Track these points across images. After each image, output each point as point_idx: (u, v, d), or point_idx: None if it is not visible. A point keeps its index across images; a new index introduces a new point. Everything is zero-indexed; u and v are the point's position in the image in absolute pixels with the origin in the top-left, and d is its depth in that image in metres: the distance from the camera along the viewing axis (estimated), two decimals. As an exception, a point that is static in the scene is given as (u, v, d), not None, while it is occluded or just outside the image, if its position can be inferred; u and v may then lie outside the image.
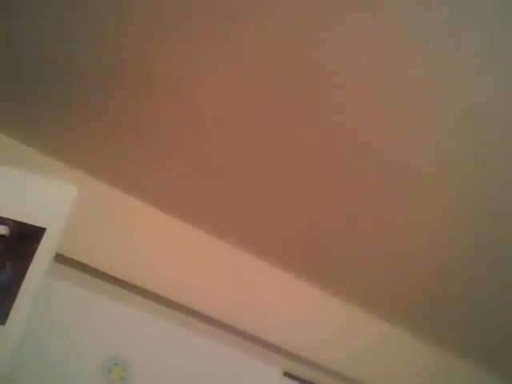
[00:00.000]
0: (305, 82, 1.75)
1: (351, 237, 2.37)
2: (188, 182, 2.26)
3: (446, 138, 1.82)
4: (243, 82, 1.80)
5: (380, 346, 2.82)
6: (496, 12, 1.47)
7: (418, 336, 2.94)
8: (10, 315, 1.38)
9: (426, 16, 1.50)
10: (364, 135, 1.88)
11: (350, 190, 2.13)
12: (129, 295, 2.21)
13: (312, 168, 2.07)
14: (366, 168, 2.01)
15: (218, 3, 1.57)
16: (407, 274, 2.49)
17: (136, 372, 2.12)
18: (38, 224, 1.48)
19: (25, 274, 1.42)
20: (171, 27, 1.67)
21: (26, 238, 1.46)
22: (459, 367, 3.05)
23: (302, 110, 1.85)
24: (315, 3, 1.52)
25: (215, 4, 1.58)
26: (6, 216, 1.46)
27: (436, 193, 2.04)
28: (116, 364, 2.08)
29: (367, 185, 2.08)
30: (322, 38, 1.61)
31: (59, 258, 1.87)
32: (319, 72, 1.70)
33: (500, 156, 1.85)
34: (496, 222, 2.10)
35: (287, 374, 2.54)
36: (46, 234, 1.47)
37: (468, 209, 2.08)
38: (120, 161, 2.22)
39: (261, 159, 2.08)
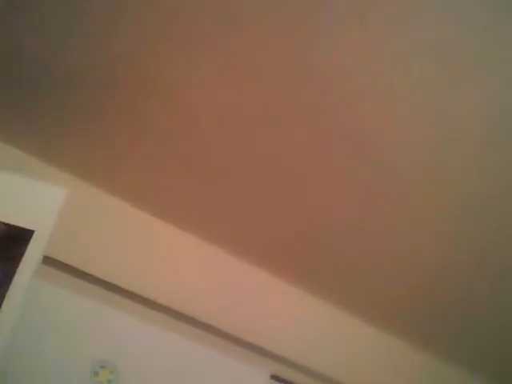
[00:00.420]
0: (301, 86, 1.76)
1: (342, 241, 2.37)
2: (182, 187, 2.25)
3: (443, 138, 1.83)
4: (241, 86, 1.80)
5: (369, 349, 2.83)
6: (487, 17, 1.49)
7: (408, 340, 2.95)
8: (-2, 317, 1.39)
9: (416, 23, 1.52)
10: (361, 138, 1.89)
11: (345, 195, 2.13)
12: (118, 298, 2.21)
13: (309, 173, 2.07)
14: (363, 173, 2.01)
15: (214, 6, 1.58)
16: (399, 278, 2.49)
17: (123, 375, 2.12)
18: (26, 226, 1.49)
19: (13, 276, 1.42)
20: (168, 31, 1.68)
21: (14, 240, 1.47)
22: (451, 373, 3.06)
23: (298, 113, 1.85)
24: (309, 8, 1.54)
25: (212, 7, 1.58)
26: (-6, 218, 1.47)
27: (433, 194, 2.04)
28: (103, 367, 2.09)
29: (363, 189, 2.08)
30: (316, 42, 1.62)
31: (48, 261, 1.88)
32: (314, 75, 1.71)
33: (498, 157, 1.86)
34: (495, 224, 2.11)
35: (274, 377, 2.54)
36: (34, 236, 1.48)
37: (466, 211, 2.09)
38: (113, 165, 2.21)
39: (258, 165, 2.08)
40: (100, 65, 1.81)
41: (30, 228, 1.48)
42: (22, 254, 1.45)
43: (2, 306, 1.40)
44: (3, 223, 1.48)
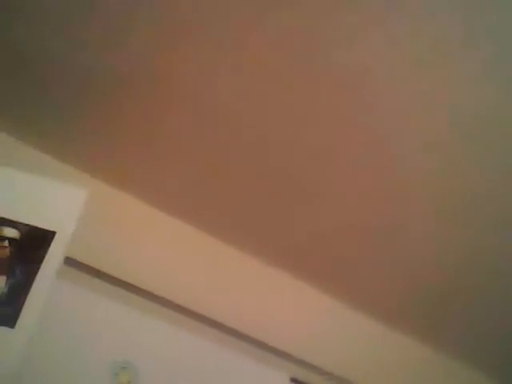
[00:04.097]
0: (319, 86, 1.75)
1: (359, 243, 2.37)
2: (197, 187, 2.27)
3: (462, 139, 1.82)
4: (257, 86, 1.80)
5: (388, 353, 2.81)
6: (508, 21, 1.48)
7: (428, 344, 2.93)
8: (20, 318, 1.38)
9: (436, 23, 1.51)
10: (379, 138, 1.89)
11: (361, 196, 2.13)
12: (138, 299, 2.21)
13: (318, 172, 2.08)
14: (380, 173, 2.01)
15: (230, 6, 1.58)
16: (413, 279, 2.50)
17: (143, 376, 2.11)
18: (48, 227, 1.48)
19: (34, 277, 1.42)
20: (182, 33, 1.68)
21: (36, 241, 1.46)
22: (465, 373, 3.04)
23: (315, 113, 1.85)
24: (329, 7, 1.53)
25: (228, 7, 1.58)
26: (16, 219, 1.47)
27: (449, 196, 2.04)
28: (123, 368, 2.08)
29: (378, 190, 2.08)
30: (336, 42, 1.61)
31: (69, 262, 1.87)
32: (333, 75, 1.71)
33: (505, 161, 1.85)
34: (498, 224, 2.10)
35: (294, 380, 2.53)
36: (55, 237, 1.48)
37: (478, 213, 2.08)
38: (130, 165, 2.23)
39: (274, 165, 2.09)
40: (115, 65, 1.81)
41: (51, 229, 1.48)
42: (43, 256, 1.45)
43: (24, 307, 1.40)
44: (24, 224, 1.48)
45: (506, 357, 2.89)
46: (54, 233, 1.48)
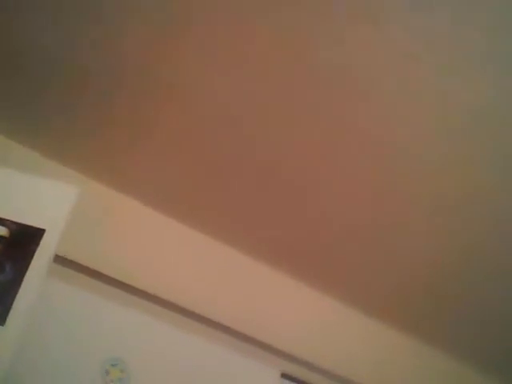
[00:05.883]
0: (312, 84, 1.75)
1: (350, 240, 2.37)
2: (190, 185, 2.25)
3: (454, 137, 1.82)
4: (248, 84, 1.79)
5: (378, 347, 2.82)
6: (496, 15, 1.48)
7: (416, 338, 2.94)
8: (9, 316, 1.39)
9: (427, 20, 1.51)
10: (371, 137, 1.88)
11: (355, 195, 2.13)
12: (128, 297, 2.21)
13: (314, 171, 2.07)
14: (373, 172, 2.01)
15: (223, 6, 1.58)
16: (405, 276, 2.49)
17: (134, 373, 2.12)
18: (37, 225, 1.49)
19: (24, 274, 1.43)
20: (176, 29, 1.67)
21: (25, 239, 1.47)
22: (459, 370, 3.05)
23: (309, 112, 1.85)
24: (321, 5, 1.53)
25: (220, 7, 1.58)
26: (5, 217, 1.47)
27: (442, 194, 2.04)
28: (114, 365, 2.09)
29: (372, 189, 2.08)
30: (328, 40, 1.61)
31: (59, 260, 1.88)
32: (326, 74, 1.71)
33: (499, 156, 1.85)
34: (493, 221, 2.10)
35: (285, 376, 2.54)
36: (45, 235, 1.48)
37: (466, 209, 2.09)
38: (121, 163, 2.22)
39: (269, 164, 2.08)
40: (110, 64, 1.81)
41: (41, 227, 1.48)
42: (32, 254, 1.45)
43: (14, 304, 1.40)
44: (14, 222, 1.48)
45: (505, 356, 2.88)
46: (43, 230, 1.48)
